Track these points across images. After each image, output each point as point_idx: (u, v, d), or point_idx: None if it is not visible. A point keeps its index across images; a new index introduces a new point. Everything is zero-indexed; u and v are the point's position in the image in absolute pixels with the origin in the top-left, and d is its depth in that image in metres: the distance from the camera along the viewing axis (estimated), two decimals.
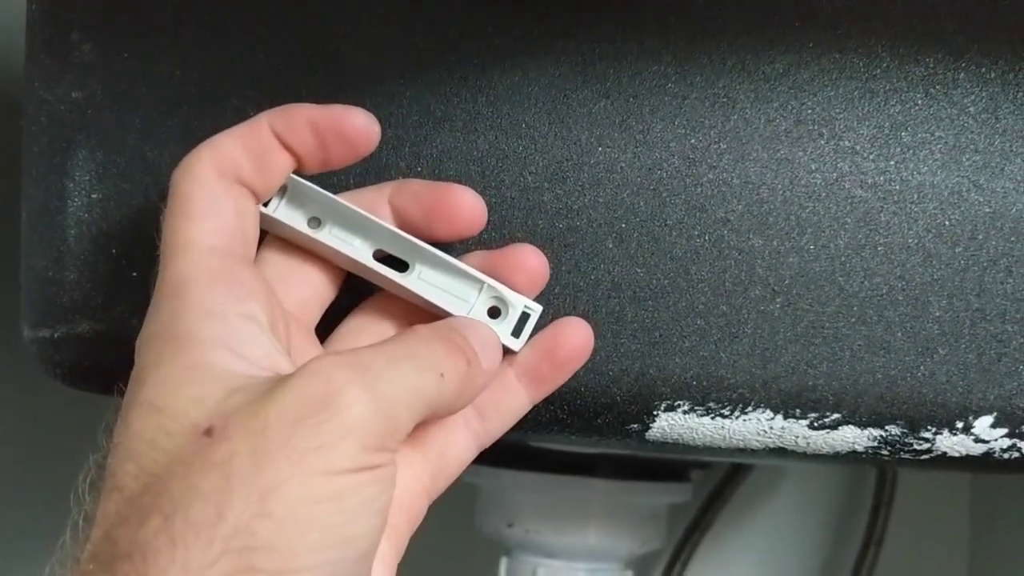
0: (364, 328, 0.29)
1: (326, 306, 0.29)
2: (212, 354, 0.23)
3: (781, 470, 0.63)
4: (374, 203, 0.29)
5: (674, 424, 0.31)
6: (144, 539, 0.21)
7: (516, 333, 0.29)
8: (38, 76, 0.32)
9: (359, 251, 0.28)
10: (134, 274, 0.31)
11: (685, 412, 0.30)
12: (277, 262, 0.29)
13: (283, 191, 0.28)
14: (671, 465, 0.50)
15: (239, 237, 0.26)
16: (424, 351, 0.25)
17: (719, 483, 0.61)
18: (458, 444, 0.29)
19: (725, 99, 0.30)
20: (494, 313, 0.29)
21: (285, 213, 0.28)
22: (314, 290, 0.29)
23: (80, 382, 0.32)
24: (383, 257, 0.29)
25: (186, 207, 0.26)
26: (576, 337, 0.29)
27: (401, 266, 0.29)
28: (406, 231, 0.28)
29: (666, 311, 0.30)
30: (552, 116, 0.30)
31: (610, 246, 0.30)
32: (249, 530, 0.21)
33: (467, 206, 0.28)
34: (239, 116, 0.30)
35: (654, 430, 0.31)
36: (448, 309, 0.28)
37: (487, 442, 0.29)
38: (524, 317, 0.29)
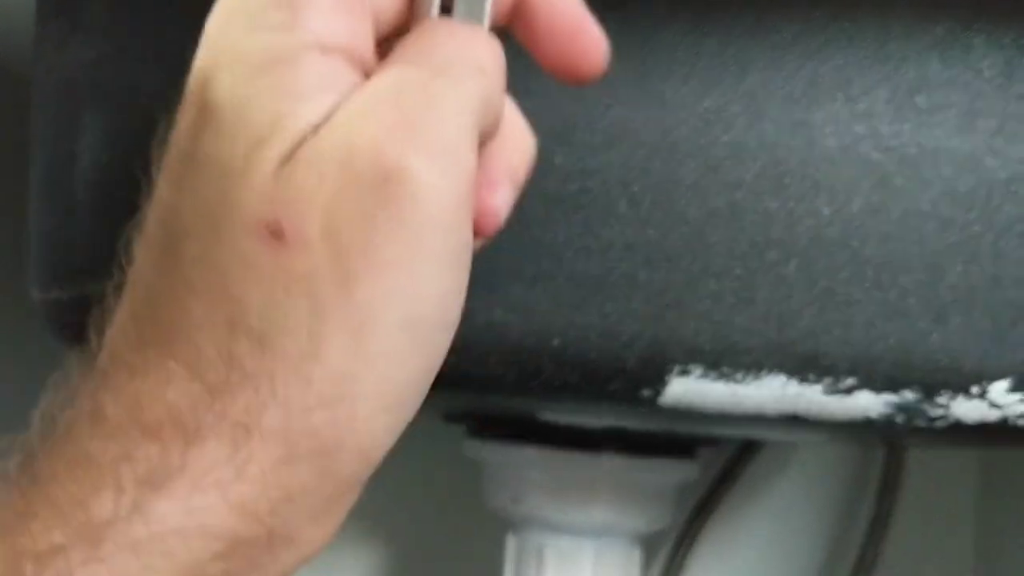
0: None
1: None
2: (302, 100, 0.19)
3: (789, 451, 0.63)
4: None
5: (687, 389, 0.30)
6: (235, 362, 0.18)
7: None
8: (48, 37, 0.32)
9: None
10: None
11: (698, 377, 0.30)
12: None
13: None
14: (679, 442, 0.49)
15: None
16: (457, 53, 0.21)
17: (726, 464, 0.60)
18: None
19: (740, 60, 0.29)
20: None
21: None
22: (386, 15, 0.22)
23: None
24: None
25: None
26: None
27: None
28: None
29: (679, 274, 0.30)
30: None
31: (623, 208, 0.30)
32: (348, 375, 0.19)
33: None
34: None
35: (666, 396, 0.31)
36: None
37: None
38: None
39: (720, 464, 0.60)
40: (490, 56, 0.22)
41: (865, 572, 0.58)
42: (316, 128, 0.19)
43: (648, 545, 0.55)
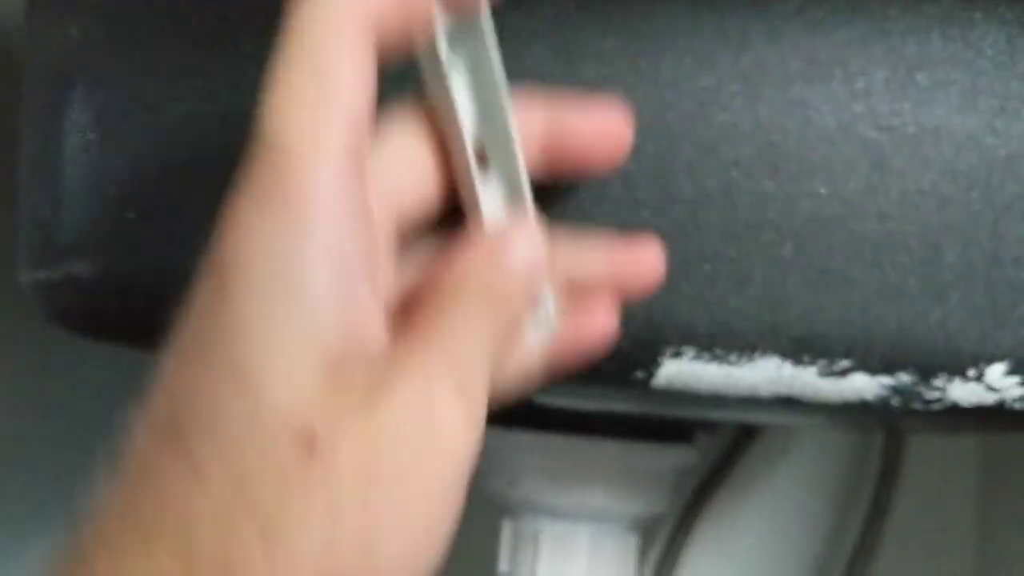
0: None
1: (422, 213, 0.24)
2: (323, 314, 0.19)
3: (788, 437, 0.63)
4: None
5: (680, 371, 0.30)
6: (237, 556, 0.18)
7: None
8: (38, 13, 0.31)
9: (465, 112, 0.24)
10: (131, 215, 0.30)
11: (691, 359, 0.30)
12: (392, 144, 0.23)
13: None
14: (676, 427, 0.49)
15: (368, 119, 0.21)
16: (489, 330, 0.23)
17: (725, 450, 0.60)
18: None
19: (737, 37, 0.29)
20: None
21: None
22: (417, 191, 0.24)
23: (78, 325, 0.32)
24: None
25: (324, 79, 0.19)
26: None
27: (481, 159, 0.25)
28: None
29: (673, 256, 0.29)
30: (559, 54, 0.29)
31: (617, 189, 0.29)
32: (357, 571, 0.19)
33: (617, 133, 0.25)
34: (245, 57, 0.30)
35: (659, 377, 0.30)
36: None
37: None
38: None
39: (718, 450, 0.60)
40: (530, 276, 0.24)
41: (864, 559, 0.58)
42: (358, 341, 0.20)
43: (645, 531, 0.55)
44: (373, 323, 0.21)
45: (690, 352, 0.29)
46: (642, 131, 0.29)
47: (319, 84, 0.19)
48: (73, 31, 0.31)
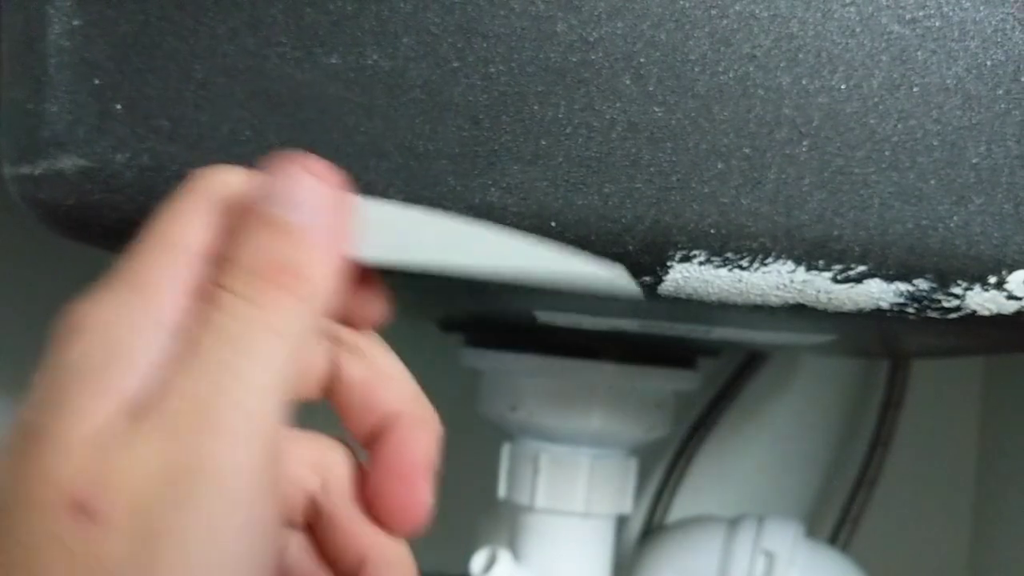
0: None
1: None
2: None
3: (791, 367, 0.62)
4: None
5: (689, 276, 0.29)
6: None
7: None
8: None
9: None
10: (118, 107, 0.29)
11: (701, 263, 0.29)
12: None
13: None
14: (679, 351, 0.48)
15: None
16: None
17: (728, 379, 0.59)
18: None
19: None
20: None
21: None
22: None
23: (63, 224, 0.30)
24: None
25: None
26: None
27: None
28: None
29: (685, 153, 0.28)
30: None
31: (627, 82, 0.28)
32: None
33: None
34: None
35: (667, 283, 0.29)
36: None
37: None
38: None
39: (721, 379, 0.60)
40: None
41: (865, 489, 0.58)
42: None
43: (648, 457, 0.55)
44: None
45: (700, 255, 0.28)
46: (654, 21, 0.28)
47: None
48: None
